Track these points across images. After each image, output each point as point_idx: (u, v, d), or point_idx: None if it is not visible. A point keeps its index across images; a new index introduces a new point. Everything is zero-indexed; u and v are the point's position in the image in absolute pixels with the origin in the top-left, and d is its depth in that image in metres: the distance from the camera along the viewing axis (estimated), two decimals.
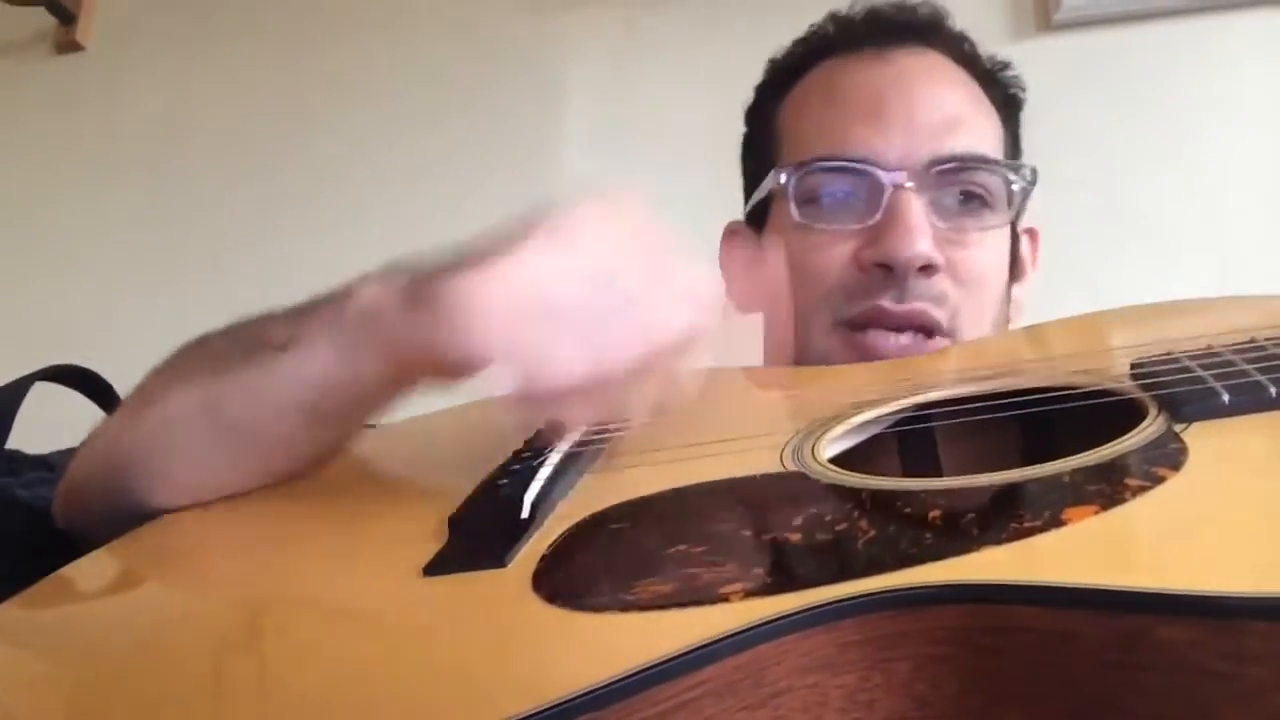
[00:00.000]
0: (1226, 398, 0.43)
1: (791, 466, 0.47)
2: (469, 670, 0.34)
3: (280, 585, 0.46)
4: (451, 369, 0.49)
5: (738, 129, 0.85)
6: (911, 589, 0.33)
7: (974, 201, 0.72)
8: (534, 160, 1.61)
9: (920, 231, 0.67)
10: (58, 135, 1.79)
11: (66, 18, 1.80)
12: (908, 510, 0.40)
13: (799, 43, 0.81)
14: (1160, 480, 0.38)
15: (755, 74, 0.84)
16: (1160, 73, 1.48)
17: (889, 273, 0.68)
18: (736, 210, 0.84)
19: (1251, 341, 0.50)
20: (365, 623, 0.40)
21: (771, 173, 0.76)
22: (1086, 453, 0.42)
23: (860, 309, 0.69)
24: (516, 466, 0.50)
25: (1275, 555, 0.32)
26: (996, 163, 0.73)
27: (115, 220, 1.74)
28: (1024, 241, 0.80)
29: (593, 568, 0.41)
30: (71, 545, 0.54)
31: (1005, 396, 0.54)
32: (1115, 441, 0.42)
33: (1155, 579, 0.30)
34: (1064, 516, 0.35)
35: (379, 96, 1.72)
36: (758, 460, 0.48)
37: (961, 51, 0.78)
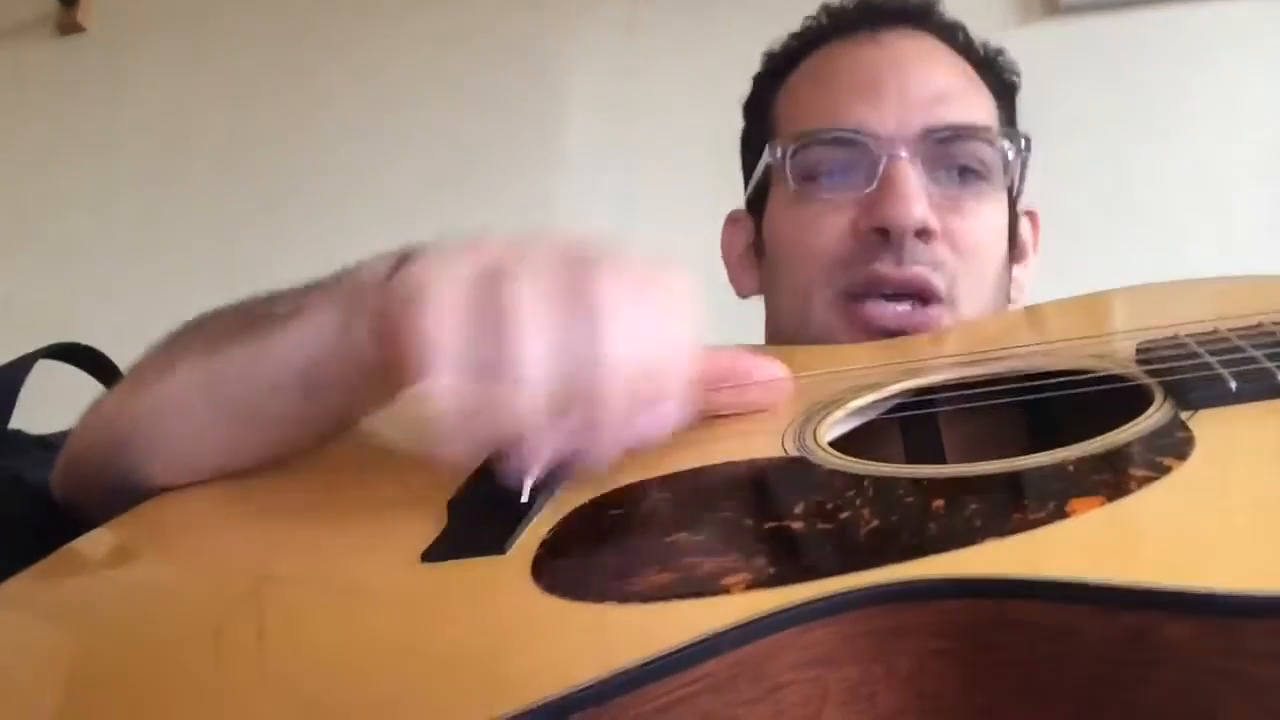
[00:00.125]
0: (1234, 385, 0.43)
1: (793, 451, 0.47)
2: (467, 661, 0.34)
3: (278, 569, 0.46)
4: (398, 356, 0.44)
5: (739, 120, 0.84)
6: (914, 583, 0.32)
7: (969, 174, 0.72)
8: (536, 159, 1.61)
9: (916, 196, 0.67)
10: (60, 117, 1.78)
11: (68, 0, 1.78)
12: (910, 499, 0.39)
13: (794, 35, 0.82)
14: (1166, 470, 0.37)
15: (755, 63, 0.84)
16: (1164, 58, 1.48)
17: (886, 238, 0.68)
18: (739, 200, 0.84)
19: (1258, 326, 0.50)
20: (362, 609, 0.40)
21: (767, 148, 0.76)
22: (1091, 440, 0.41)
23: (859, 275, 0.69)
24: None
25: None
26: (989, 129, 0.73)
27: (118, 202, 1.74)
28: (1024, 223, 0.80)
29: (592, 556, 0.41)
30: (76, 527, 0.54)
31: (1009, 380, 0.53)
32: (1120, 429, 0.42)
33: (1161, 574, 0.30)
34: (1068, 508, 0.35)
35: (383, 90, 1.71)
36: (759, 445, 0.48)
37: (954, 37, 0.78)
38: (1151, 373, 0.48)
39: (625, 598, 0.35)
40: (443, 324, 0.42)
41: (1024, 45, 0.82)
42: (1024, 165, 0.75)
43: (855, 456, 0.45)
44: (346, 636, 0.37)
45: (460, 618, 0.37)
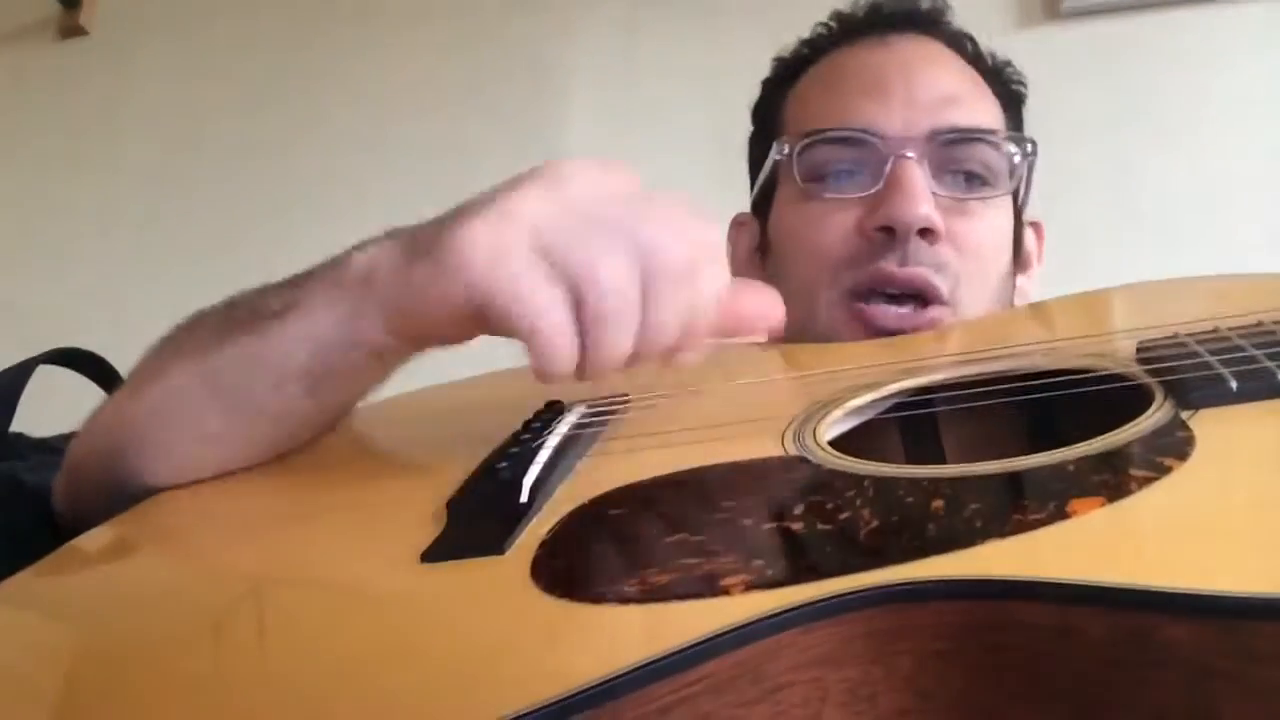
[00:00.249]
0: (1234, 385, 0.42)
1: (793, 451, 0.47)
2: (466, 663, 0.34)
3: (278, 568, 0.46)
4: (455, 321, 0.48)
5: (741, 123, 0.85)
6: (914, 584, 0.32)
7: (974, 178, 0.72)
8: (537, 163, 1.61)
9: (922, 195, 0.68)
10: (61, 120, 1.79)
11: (70, 3, 1.79)
12: (910, 499, 0.39)
13: (804, 42, 0.82)
14: (1167, 471, 0.37)
15: (757, 66, 0.84)
16: (1165, 62, 1.48)
17: (891, 236, 0.68)
18: (742, 204, 0.85)
19: (1259, 325, 0.50)
20: (361, 610, 0.40)
21: (774, 144, 0.76)
22: (1091, 440, 0.41)
23: (864, 274, 0.69)
24: (515, 449, 0.50)
25: None
26: (995, 132, 0.74)
27: (120, 206, 1.74)
28: (1029, 234, 0.81)
29: (591, 556, 0.41)
30: (76, 530, 0.54)
31: (1009, 379, 0.53)
32: (1120, 429, 0.42)
33: (1162, 575, 0.30)
34: (1069, 509, 0.35)
35: (383, 91, 1.71)
36: (759, 444, 0.48)
37: (963, 46, 0.79)
38: (1152, 372, 0.48)
39: (625, 598, 0.35)
40: (530, 281, 0.45)
41: (1025, 49, 0.82)
42: (1030, 170, 0.75)
43: (855, 456, 0.45)
44: (346, 636, 0.37)
45: (460, 618, 0.37)
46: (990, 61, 0.80)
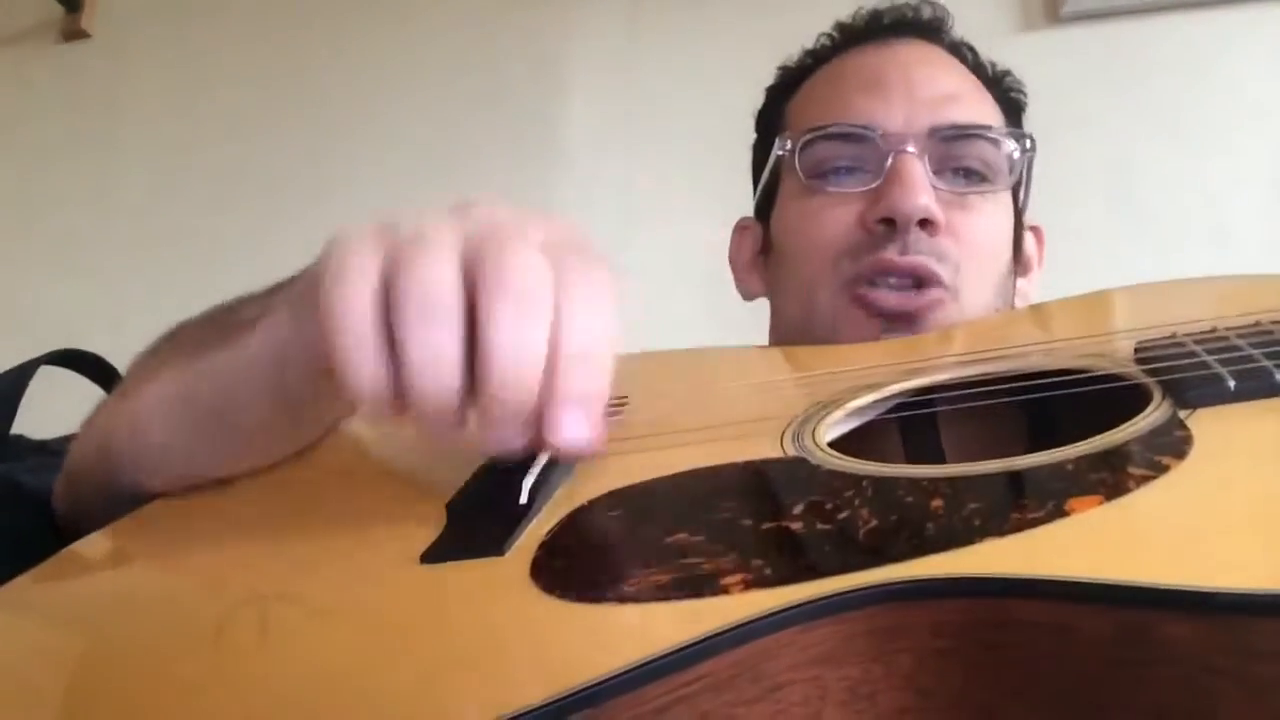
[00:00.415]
0: (1232, 384, 0.43)
1: (792, 452, 0.47)
2: (466, 662, 0.34)
3: (275, 572, 0.46)
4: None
5: (742, 115, 0.85)
6: (914, 582, 0.32)
7: (974, 175, 0.73)
8: (537, 157, 1.61)
9: (921, 186, 0.68)
10: (63, 123, 1.79)
11: (72, 6, 1.79)
12: (909, 499, 0.39)
13: (808, 52, 0.83)
14: (1165, 469, 0.37)
15: (758, 67, 0.85)
16: (1165, 66, 1.48)
17: (892, 228, 0.69)
18: (741, 196, 0.85)
19: (1256, 325, 0.50)
20: (360, 611, 0.40)
21: (777, 140, 0.77)
22: (1089, 440, 0.41)
23: (864, 264, 0.69)
24: None
25: None
26: (994, 129, 0.74)
27: (121, 208, 1.74)
28: (1029, 238, 0.81)
29: (591, 557, 0.41)
30: (75, 532, 0.54)
31: (1008, 380, 0.53)
32: (1119, 428, 0.42)
33: (1160, 573, 0.30)
34: (1067, 507, 0.35)
35: (382, 92, 1.71)
36: (758, 445, 0.48)
37: (962, 54, 0.80)
38: (1150, 372, 0.48)
39: (624, 598, 0.35)
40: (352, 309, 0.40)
41: (1026, 53, 0.83)
42: (1029, 167, 0.76)
43: (854, 457, 0.45)
44: (345, 638, 0.37)
45: (459, 619, 0.37)
46: (990, 70, 0.80)
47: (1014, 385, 0.52)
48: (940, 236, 0.69)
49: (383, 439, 0.63)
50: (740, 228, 0.85)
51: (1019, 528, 0.35)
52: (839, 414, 0.52)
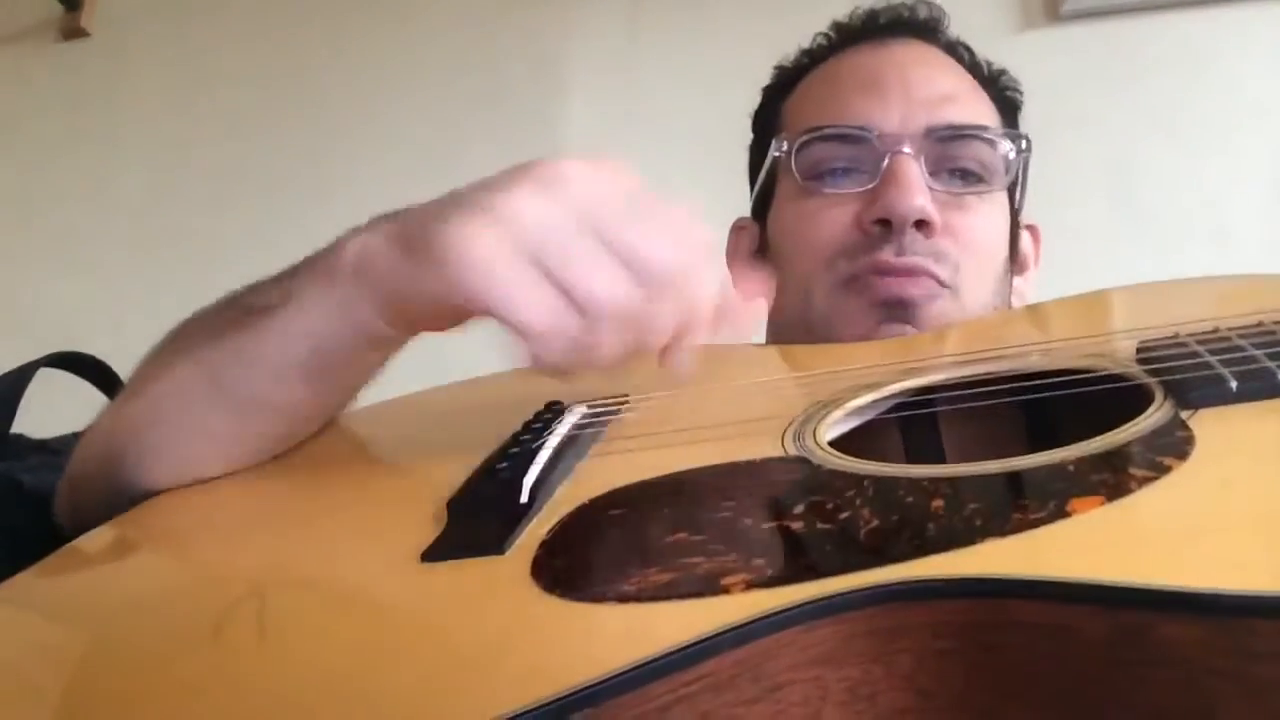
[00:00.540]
0: (1234, 384, 0.42)
1: (793, 451, 0.47)
2: (466, 661, 0.34)
3: (276, 569, 0.46)
4: (451, 314, 0.49)
5: (741, 115, 0.85)
6: (914, 582, 0.32)
7: (970, 176, 0.73)
8: (538, 157, 1.60)
9: (917, 187, 0.68)
10: (62, 122, 1.79)
11: (72, 4, 1.79)
12: (910, 499, 0.39)
13: (804, 52, 0.83)
14: (1166, 470, 0.37)
15: (758, 67, 0.85)
16: (1165, 64, 1.48)
17: (888, 229, 0.69)
18: (740, 198, 0.85)
19: (1259, 325, 0.50)
20: (361, 609, 0.40)
21: (773, 142, 0.77)
22: (1091, 440, 0.41)
23: (861, 264, 0.69)
24: (515, 449, 0.50)
25: None
26: (990, 129, 0.74)
27: (120, 205, 1.74)
28: (1025, 237, 0.81)
29: (591, 556, 0.41)
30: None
31: (1009, 380, 0.53)
32: (1120, 429, 0.42)
33: (1161, 574, 0.30)
34: (1069, 508, 0.35)
35: (382, 92, 1.71)
36: (759, 445, 0.48)
37: (959, 53, 0.80)
38: (1152, 372, 0.48)
39: (625, 597, 0.35)
40: (513, 280, 0.45)
41: (1026, 52, 0.83)
42: (1025, 167, 0.76)
43: (855, 456, 0.45)
44: (345, 636, 0.37)
45: (459, 617, 0.37)
46: (986, 69, 0.80)
47: (1015, 385, 0.52)
48: (937, 237, 0.69)
49: (384, 439, 0.63)
50: (737, 228, 0.85)
51: (1020, 528, 0.34)
52: (839, 413, 0.52)
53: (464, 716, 0.31)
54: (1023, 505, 0.37)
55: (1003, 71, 0.81)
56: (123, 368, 0.68)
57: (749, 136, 0.85)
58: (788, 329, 0.75)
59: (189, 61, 1.78)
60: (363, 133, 1.70)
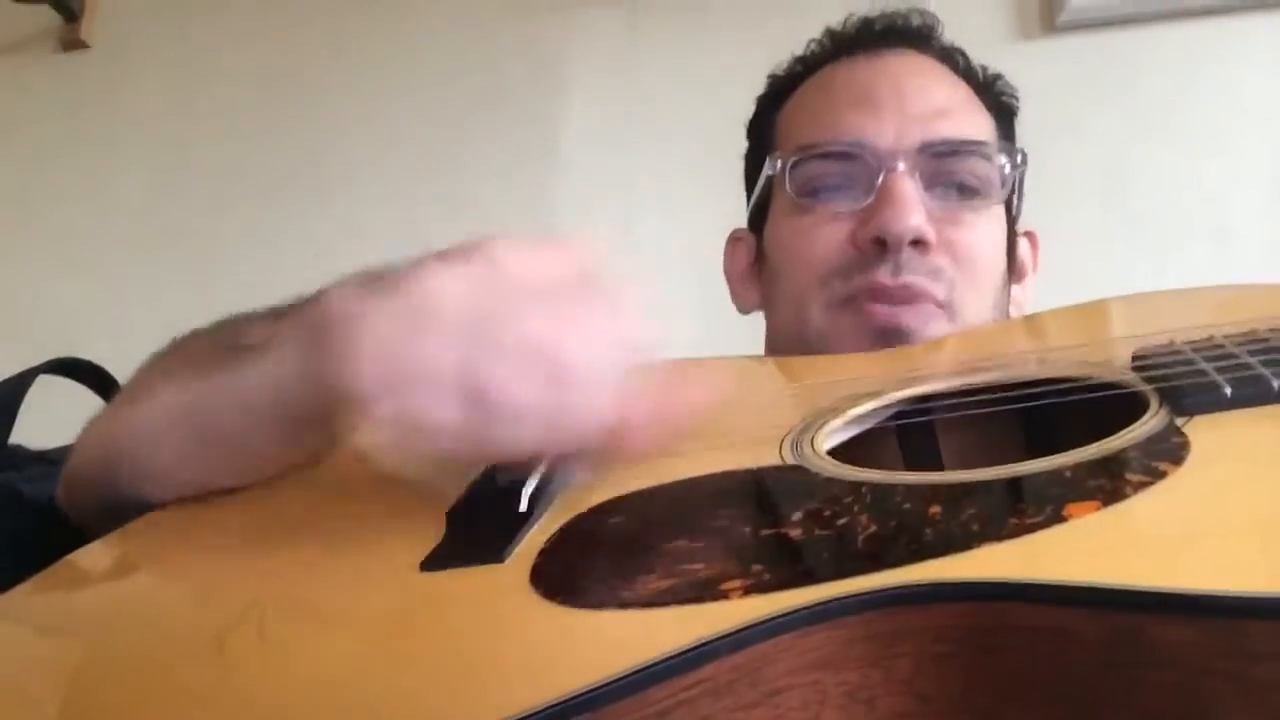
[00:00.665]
0: (1228, 391, 0.43)
1: (791, 459, 0.47)
2: (466, 669, 0.34)
3: (275, 579, 0.46)
4: (338, 406, 0.45)
5: (740, 122, 0.85)
6: (912, 587, 0.32)
7: (966, 190, 0.73)
8: (536, 159, 1.61)
9: (913, 206, 0.68)
10: (62, 133, 1.79)
11: (71, 15, 1.79)
12: (907, 505, 0.40)
13: (797, 59, 0.82)
14: (1162, 475, 0.37)
15: (757, 69, 0.84)
16: (1162, 75, 1.48)
17: (883, 248, 0.68)
18: (742, 204, 0.85)
19: (1253, 333, 0.50)
20: (361, 619, 0.40)
21: (768, 160, 0.76)
22: (1087, 446, 0.41)
23: (856, 285, 0.69)
24: None
25: (1277, 553, 0.31)
26: (986, 144, 0.74)
27: (120, 208, 1.74)
28: (1023, 244, 0.81)
29: (591, 563, 0.41)
30: (74, 541, 0.54)
31: (1005, 389, 0.54)
32: (1116, 435, 0.42)
33: (1157, 577, 0.30)
34: (1065, 512, 0.35)
35: (381, 93, 1.71)
36: (757, 453, 0.48)
37: (954, 60, 0.79)
38: (1147, 379, 0.48)
39: (624, 604, 0.35)
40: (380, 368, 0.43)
41: (1022, 62, 0.83)
42: (1021, 179, 0.76)
43: (853, 465, 0.45)
44: (346, 646, 0.37)
45: (459, 626, 0.37)
46: (981, 76, 0.80)
47: (1012, 393, 0.53)
48: (933, 254, 0.69)
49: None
50: (734, 239, 0.85)
51: (1017, 533, 0.35)
52: (838, 422, 0.53)
53: None
54: (1019, 510, 0.38)
55: (998, 77, 0.81)
56: (122, 369, 0.68)
57: (745, 149, 0.85)
58: (785, 342, 0.75)
59: (189, 62, 1.78)
60: (363, 133, 1.69)
